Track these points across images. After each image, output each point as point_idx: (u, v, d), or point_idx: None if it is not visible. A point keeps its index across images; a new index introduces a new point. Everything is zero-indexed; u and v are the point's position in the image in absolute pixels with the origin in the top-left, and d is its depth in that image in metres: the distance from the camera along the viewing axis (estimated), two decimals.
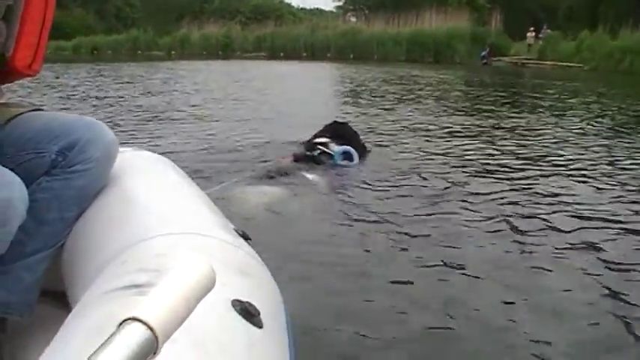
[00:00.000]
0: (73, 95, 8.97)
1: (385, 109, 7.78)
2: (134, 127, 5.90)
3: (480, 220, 2.82)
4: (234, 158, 4.24)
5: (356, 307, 1.87)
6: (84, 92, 9.55)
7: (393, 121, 6.64)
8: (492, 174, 3.97)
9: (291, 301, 1.01)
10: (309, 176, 3.63)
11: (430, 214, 2.90)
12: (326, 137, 4.17)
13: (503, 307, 1.89)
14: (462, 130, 6.02)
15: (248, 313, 0.80)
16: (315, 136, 4.29)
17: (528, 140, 5.42)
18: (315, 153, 4.02)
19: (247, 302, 0.82)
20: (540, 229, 2.67)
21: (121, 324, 0.44)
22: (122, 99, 8.61)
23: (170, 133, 5.56)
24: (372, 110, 7.67)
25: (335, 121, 4.49)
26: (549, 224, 2.74)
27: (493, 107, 8.45)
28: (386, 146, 4.93)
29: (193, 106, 7.91)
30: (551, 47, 24.03)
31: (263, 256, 1.07)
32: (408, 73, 16.03)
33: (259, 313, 0.81)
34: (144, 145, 4.00)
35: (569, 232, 2.66)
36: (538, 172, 4.00)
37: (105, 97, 8.80)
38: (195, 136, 5.37)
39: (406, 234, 2.61)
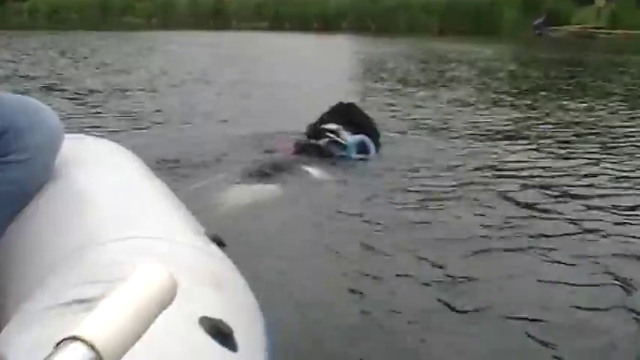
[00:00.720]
0: (12, 72, 8.97)
1: (409, 95, 7.66)
2: (87, 111, 5.84)
3: (514, 237, 2.77)
4: (218, 151, 4.17)
5: (347, 328, 1.90)
6: (28, 69, 9.56)
7: (417, 109, 6.51)
8: (539, 179, 3.75)
9: (273, 319, 1.02)
10: (313, 171, 3.56)
11: (451, 227, 2.85)
12: (335, 123, 4.14)
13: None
14: (506, 123, 5.84)
15: (219, 332, 0.82)
16: (322, 121, 4.22)
17: (595, 140, 5.09)
18: (322, 142, 3.99)
19: (218, 320, 0.84)
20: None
21: (59, 344, 0.46)
22: (75, 77, 8.61)
23: (134, 119, 5.46)
24: (393, 96, 7.56)
25: (340, 103, 4.41)
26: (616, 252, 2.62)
27: (548, 92, 8.33)
28: (409, 140, 4.83)
29: (169, 86, 7.89)
30: (628, 12, 23.71)
31: (241, 266, 1.09)
32: (440, 49, 15.96)
33: (233, 333, 0.83)
34: (97, 133, 4.01)
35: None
36: (603, 182, 3.75)
37: (52, 75, 8.81)
38: (168, 125, 5.32)
39: (420, 246, 2.58)
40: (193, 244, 1.04)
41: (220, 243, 1.15)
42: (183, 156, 3.99)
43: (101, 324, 0.49)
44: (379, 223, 2.87)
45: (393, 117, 5.97)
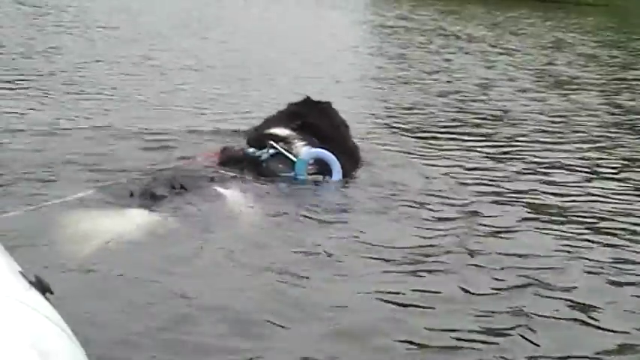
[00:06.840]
0: None
1: (437, 93, 6.13)
2: None
3: None
4: (105, 152, 3.35)
5: None
6: None
7: (442, 114, 5.27)
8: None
9: None
10: (229, 195, 2.80)
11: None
12: (289, 127, 3.34)
13: None
14: (585, 162, 4.15)
15: None
16: (269, 123, 3.43)
17: None
18: (263, 153, 3.14)
19: None
20: None
21: None
22: None
23: None
24: (408, 95, 6.01)
25: (307, 98, 3.58)
26: None
27: None
28: (414, 158, 3.89)
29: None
30: None
31: (76, 322, 0.94)
32: (495, 19, 13.60)
33: None
34: None
35: None
36: None
37: None
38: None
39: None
40: (7, 294, 0.87)
41: (45, 289, 0.97)
42: (48, 164, 3.07)
43: None
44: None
45: (402, 121, 4.77)
